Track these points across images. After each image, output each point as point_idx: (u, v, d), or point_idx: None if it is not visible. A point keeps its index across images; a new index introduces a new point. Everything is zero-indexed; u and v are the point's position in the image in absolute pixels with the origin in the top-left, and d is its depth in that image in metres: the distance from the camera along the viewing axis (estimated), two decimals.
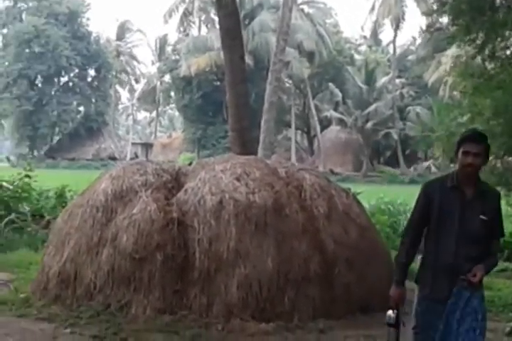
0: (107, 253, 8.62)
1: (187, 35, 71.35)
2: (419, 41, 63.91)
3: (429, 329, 4.93)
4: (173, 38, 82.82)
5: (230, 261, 8.17)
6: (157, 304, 8.20)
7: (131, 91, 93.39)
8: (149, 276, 8.33)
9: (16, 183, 15.24)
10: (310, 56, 61.97)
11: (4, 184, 15.01)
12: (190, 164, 10.22)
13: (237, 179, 9.04)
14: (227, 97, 14.22)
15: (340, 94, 63.06)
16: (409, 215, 15.02)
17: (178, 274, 8.39)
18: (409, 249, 5.03)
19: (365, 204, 12.10)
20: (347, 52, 69.50)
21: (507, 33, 11.69)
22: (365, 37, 79.31)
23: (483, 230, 4.82)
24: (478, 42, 12.02)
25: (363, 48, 78.58)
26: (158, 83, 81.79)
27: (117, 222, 8.82)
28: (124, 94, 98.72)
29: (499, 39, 12.14)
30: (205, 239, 8.43)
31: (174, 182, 9.52)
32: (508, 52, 12.68)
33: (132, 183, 9.23)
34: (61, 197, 15.86)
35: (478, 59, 13.35)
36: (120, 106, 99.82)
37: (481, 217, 4.80)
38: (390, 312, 5.01)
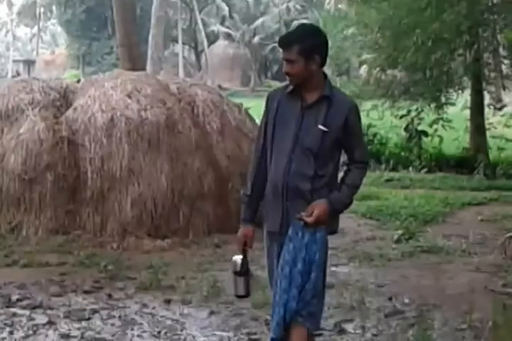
0: None
1: None
2: None
3: (271, 272, 4.06)
4: None
5: (124, 180, 8.10)
6: (49, 225, 8.10)
7: (10, 5, 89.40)
8: (40, 197, 8.18)
9: None
10: None
11: None
12: (78, 81, 9.94)
13: (128, 96, 8.87)
14: (114, 12, 13.81)
15: (226, 8, 62.22)
16: None
17: (70, 194, 8.29)
18: (255, 176, 4.05)
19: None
20: None
21: None
22: None
23: (323, 144, 3.87)
24: None
25: None
26: None
27: (4, 143, 8.59)
28: (1, 8, 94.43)
29: None
30: (97, 157, 8.31)
31: (62, 100, 9.27)
32: None
33: (18, 102, 8.94)
34: None
35: None
36: None
37: (320, 127, 3.86)
38: (235, 257, 4.03)
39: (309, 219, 3.78)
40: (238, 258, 4.02)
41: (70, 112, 8.87)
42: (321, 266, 3.89)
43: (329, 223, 3.90)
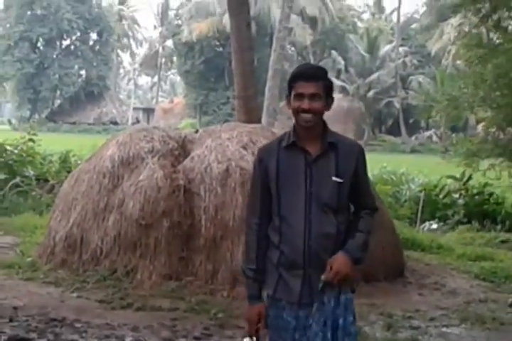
0: (114, 219, 8.70)
1: None
2: (423, 10, 63.49)
3: None
4: (175, 2, 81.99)
5: (236, 229, 8.22)
6: (163, 270, 8.30)
7: (133, 55, 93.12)
8: (155, 243, 8.40)
9: (19, 147, 15.28)
10: (313, 23, 61.61)
11: (8, 148, 15.05)
12: (196, 132, 10.24)
13: (244, 147, 9.07)
14: (232, 65, 14.15)
15: (342, 62, 62.77)
16: (411, 186, 15.03)
17: (183, 241, 8.47)
18: (258, 246, 3.64)
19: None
20: (349, 20, 69.05)
21: None
22: (368, 5, 78.76)
23: (340, 196, 3.53)
24: (484, 11, 12.00)
25: (366, 16, 78.04)
26: (161, 48, 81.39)
27: (124, 189, 8.87)
28: (125, 58, 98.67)
29: (505, 9, 12.12)
30: (211, 206, 8.48)
31: (180, 149, 9.55)
32: None
33: (139, 150, 9.27)
34: (65, 161, 15.95)
35: (482, 28, 13.31)
36: (122, 71, 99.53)
37: (335, 178, 3.51)
38: (246, 339, 3.62)
39: (329, 275, 3.41)
40: (250, 340, 3.63)
41: (187, 161, 9.14)
42: (349, 332, 3.51)
43: (353, 278, 3.53)
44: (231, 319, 6.97)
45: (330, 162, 3.54)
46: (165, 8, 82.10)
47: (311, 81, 3.48)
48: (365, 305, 7.49)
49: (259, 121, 14.18)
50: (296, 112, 3.52)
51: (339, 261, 3.44)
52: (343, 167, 3.54)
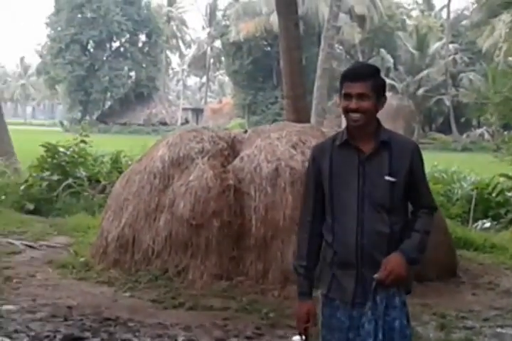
0: (165, 220, 8.76)
1: (237, 0, 70.99)
2: (473, 6, 62.70)
3: None
4: (223, 3, 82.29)
5: (286, 229, 8.21)
6: (214, 270, 8.33)
7: (182, 56, 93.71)
8: (206, 242, 8.45)
9: (72, 148, 15.48)
10: (361, 21, 61.28)
11: (61, 149, 15.26)
12: (245, 132, 10.26)
13: (293, 147, 9.06)
14: (281, 64, 14.17)
15: (391, 60, 62.30)
16: (463, 184, 14.76)
17: (234, 241, 8.49)
18: (309, 243, 3.64)
19: None
20: (398, 17, 68.50)
21: None
22: (417, 2, 78.01)
23: (393, 196, 3.47)
24: None
25: (415, 13, 77.29)
26: (209, 49, 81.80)
27: (174, 189, 8.94)
28: (174, 59, 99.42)
29: None
30: (261, 206, 8.49)
31: (230, 149, 9.57)
32: None
33: (189, 150, 9.32)
34: (116, 162, 16.09)
35: None
36: (170, 72, 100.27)
37: (387, 177, 3.46)
38: (295, 338, 3.68)
39: (382, 274, 3.37)
40: (299, 339, 3.63)
41: (236, 161, 9.17)
42: (404, 334, 3.46)
43: (408, 279, 3.48)
44: (282, 318, 6.96)
45: (383, 161, 3.49)
46: (213, 9, 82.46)
47: (358, 81, 3.46)
48: (418, 305, 7.42)
49: (308, 121, 14.16)
50: (346, 112, 3.51)
51: (393, 261, 3.39)
52: (397, 165, 3.49)
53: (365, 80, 3.46)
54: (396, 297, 3.46)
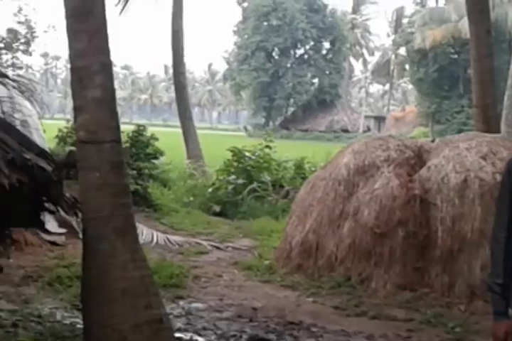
0: (349, 227, 8.79)
1: (423, 6, 69.86)
2: None
3: None
4: (409, 9, 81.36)
5: (474, 242, 8.01)
6: (397, 280, 8.26)
7: (365, 63, 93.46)
8: (390, 252, 8.39)
9: (257, 153, 15.85)
10: None
11: (247, 154, 15.66)
12: (433, 141, 10.09)
13: (483, 158, 8.80)
14: (470, 73, 13.83)
15: None
16: None
17: (418, 251, 8.38)
18: (505, 260, 3.48)
19: None
20: None
21: None
22: None
23: None
24: None
25: None
26: (393, 56, 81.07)
27: (359, 196, 8.95)
28: (357, 66, 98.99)
29: None
30: (448, 217, 8.32)
31: (416, 158, 9.45)
32: None
33: (374, 158, 9.30)
34: (300, 168, 16.31)
35: None
36: (353, 79, 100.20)
37: None
38: None
39: None
40: None
41: (423, 171, 9.03)
42: None
43: None
44: (469, 334, 6.81)
45: None
46: (399, 16, 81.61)
47: None
48: None
49: (498, 131, 13.72)
50: None
51: None
52: None
53: None
54: None
